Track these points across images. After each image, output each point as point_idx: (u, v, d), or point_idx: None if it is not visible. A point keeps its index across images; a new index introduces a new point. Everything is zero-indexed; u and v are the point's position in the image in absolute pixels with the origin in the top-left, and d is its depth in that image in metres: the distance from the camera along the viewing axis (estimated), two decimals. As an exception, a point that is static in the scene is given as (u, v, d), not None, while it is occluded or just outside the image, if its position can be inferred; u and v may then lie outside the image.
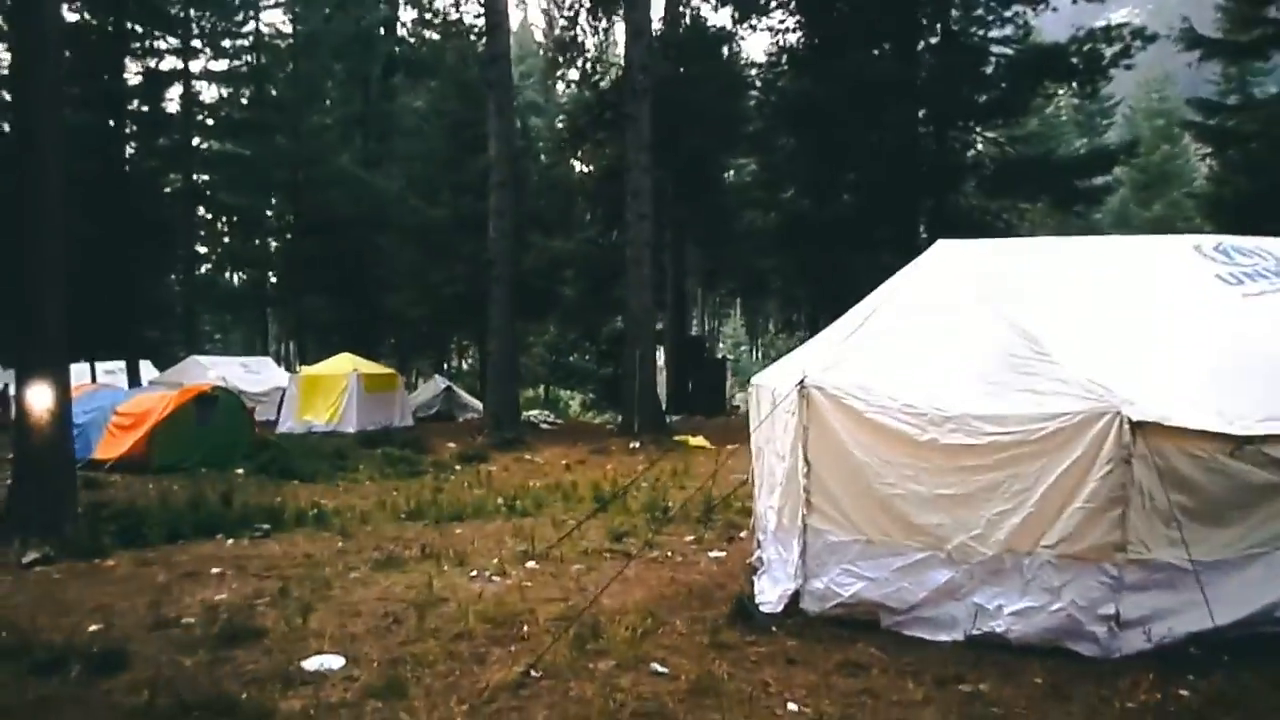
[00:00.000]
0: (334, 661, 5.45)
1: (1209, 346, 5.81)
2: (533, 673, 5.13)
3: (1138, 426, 5.01)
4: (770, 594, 6.28)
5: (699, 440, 19.12)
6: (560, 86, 45.96)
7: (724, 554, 8.38)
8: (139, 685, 5.10)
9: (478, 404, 28.72)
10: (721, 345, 52.36)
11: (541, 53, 52.52)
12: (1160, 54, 25.22)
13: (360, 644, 5.79)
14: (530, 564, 8.08)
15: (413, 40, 39.00)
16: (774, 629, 5.81)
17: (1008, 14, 23.08)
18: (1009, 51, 23.02)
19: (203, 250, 40.65)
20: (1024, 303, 6.11)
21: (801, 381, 5.98)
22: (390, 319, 34.32)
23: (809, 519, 5.99)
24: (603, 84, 30.38)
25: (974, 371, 5.71)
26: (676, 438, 19.84)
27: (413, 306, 30.90)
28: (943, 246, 7.05)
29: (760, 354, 51.58)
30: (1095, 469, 5.10)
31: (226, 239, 41.93)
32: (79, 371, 23.21)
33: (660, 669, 5.21)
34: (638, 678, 5.09)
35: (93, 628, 6.28)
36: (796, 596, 6.02)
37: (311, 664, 5.40)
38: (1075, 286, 6.40)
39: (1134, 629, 5.10)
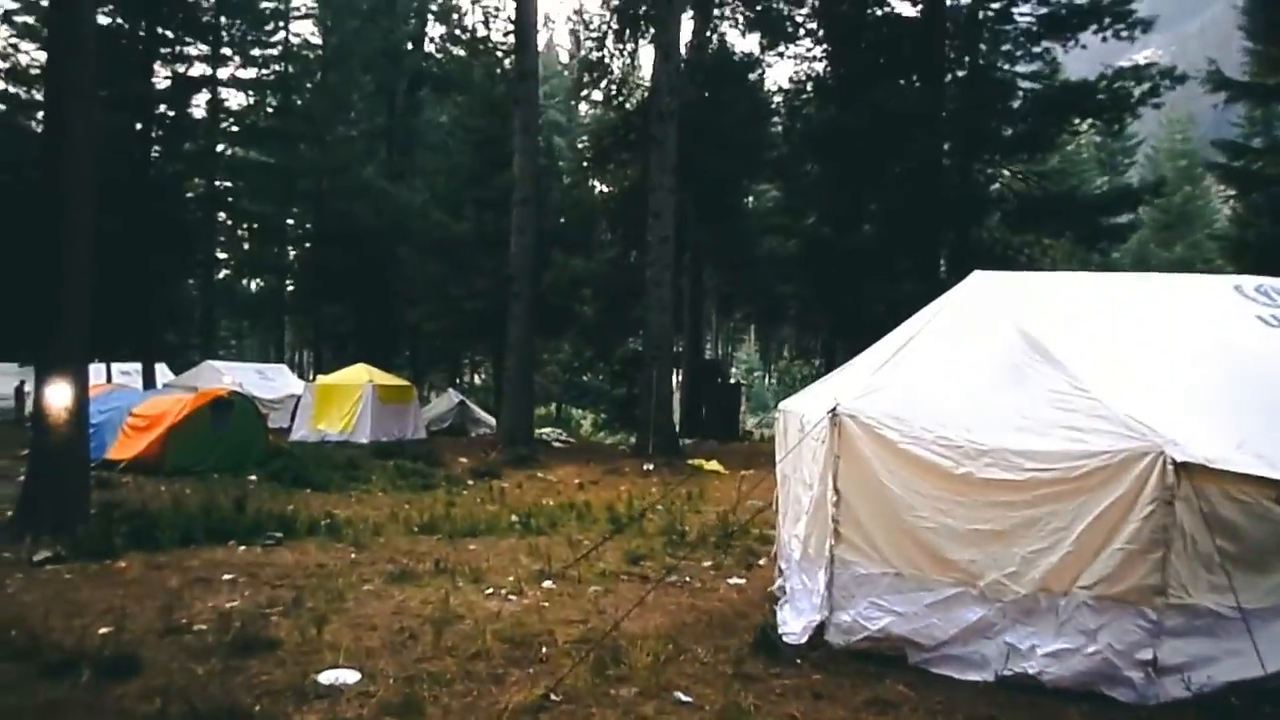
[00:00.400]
0: (349, 676, 5.34)
1: (1252, 389, 5.66)
2: (552, 696, 5.02)
3: (1181, 468, 4.88)
4: (794, 625, 6.14)
5: (713, 465, 18.98)
6: (584, 107, 46.31)
7: (744, 581, 8.24)
8: (151, 693, 5.01)
9: (490, 419, 28.67)
10: (735, 370, 52.24)
11: (566, 72, 52.96)
12: (1184, 95, 25.16)
13: (376, 659, 5.68)
14: (547, 583, 7.96)
15: (440, 55, 39.33)
16: (799, 661, 5.68)
17: (1036, 50, 23.05)
18: (1036, 86, 22.98)
19: (222, 256, 40.95)
20: (1063, 337, 5.99)
21: (834, 409, 5.87)
22: (407, 331, 34.36)
23: (837, 549, 5.86)
24: (628, 105, 30.50)
25: (1012, 405, 5.59)
26: (690, 461, 19.71)
27: (431, 319, 30.90)
28: (979, 277, 6.94)
29: (774, 380, 51.38)
30: (1136, 509, 4.96)
31: (246, 245, 42.19)
32: (95, 371, 23.22)
33: (684, 698, 5.08)
34: (661, 706, 4.97)
35: (103, 630, 6.18)
36: (821, 628, 5.89)
37: (326, 678, 5.30)
38: (1115, 323, 6.29)
39: (1172, 675, 4.95)
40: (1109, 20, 21.92)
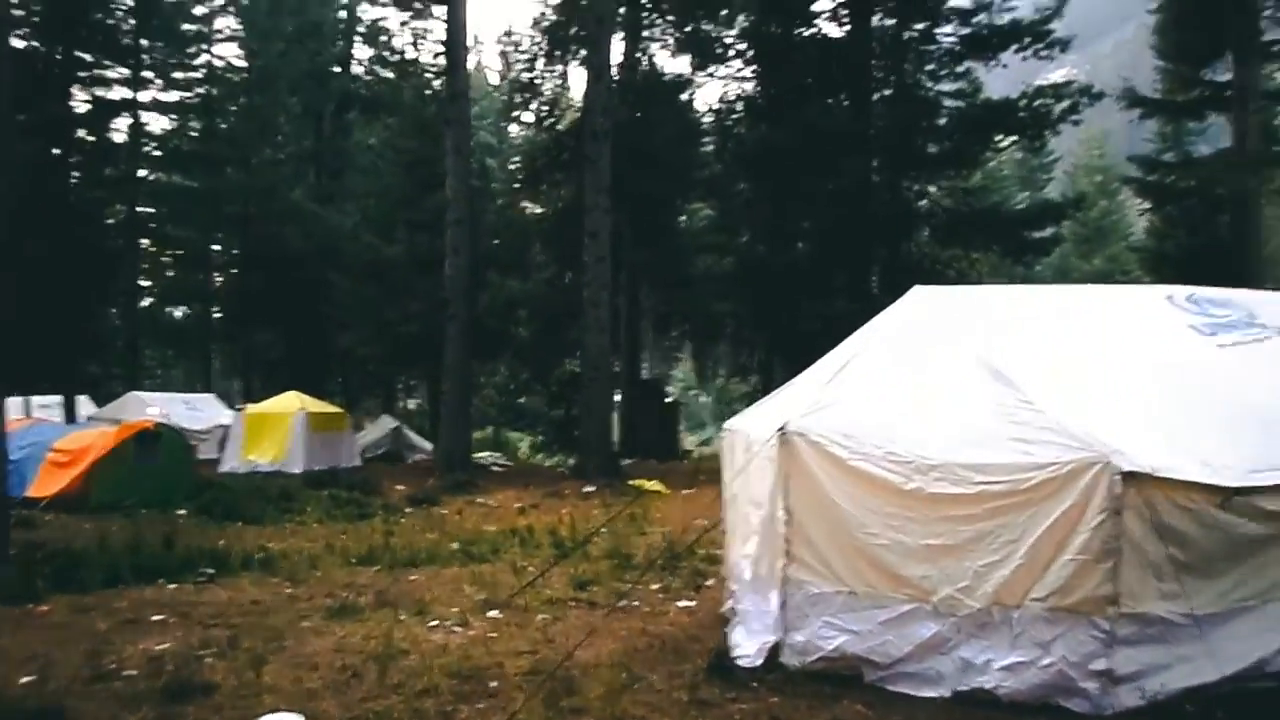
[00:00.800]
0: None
1: (1189, 397, 5.78)
2: (505, 732, 4.84)
3: (1129, 477, 4.92)
4: (747, 647, 6.04)
5: (655, 485, 18.68)
6: (515, 128, 46.11)
7: (694, 603, 8.14)
8: (77, 747, 4.71)
9: (427, 445, 28.24)
10: (672, 389, 52.31)
11: (497, 93, 52.75)
12: (1098, 112, 25.95)
13: (318, 700, 5.45)
14: (493, 613, 7.76)
15: (369, 77, 38.85)
16: (754, 684, 5.58)
17: (959, 69, 23.60)
18: (960, 105, 23.52)
19: (146, 283, 39.68)
20: (1006, 350, 6.04)
21: (783, 427, 5.81)
22: (340, 357, 33.70)
23: (789, 569, 5.79)
24: (559, 126, 30.44)
25: (959, 419, 5.61)
26: (631, 482, 19.49)
27: (364, 344, 30.37)
28: (918, 292, 6.98)
29: (711, 398, 51.60)
30: (1086, 520, 4.99)
31: (170, 272, 41.03)
32: (14, 405, 22.28)
33: (641, 728, 4.95)
34: (618, 738, 4.83)
35: (25, 679, 5.86)
36: (776, 649, 5.80)
37: (267, 723, 5.05)
38: (1054, 335, 6.37)
39: (1127, 685, 4.97)
40: (1029, 40, 22.57)
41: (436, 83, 31.71)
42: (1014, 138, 25.21)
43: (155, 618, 7.69)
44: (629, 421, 29.40)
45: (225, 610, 8.03)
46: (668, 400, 36.10)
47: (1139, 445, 5.11)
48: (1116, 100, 25.23)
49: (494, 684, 5.73)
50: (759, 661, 5.82)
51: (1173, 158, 29.68)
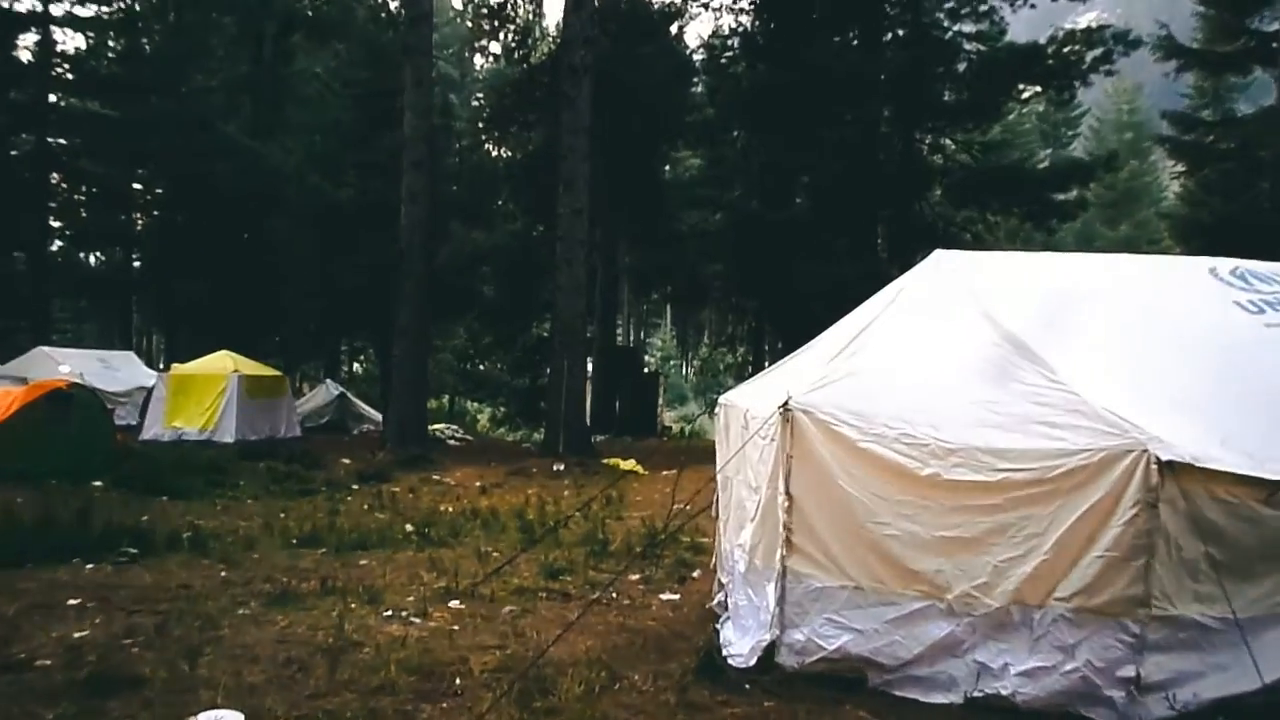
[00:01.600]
0: (231, 717, 5.09)
1: (1234, 381, 5.81)
2: (472, 735, 4.87)
3: (1167, 467, 4.97)
4: (740, 645, 6.10)
5: (631, 464, 18.97)
6: (480, 60, 45.68)
7: (678, 597, 8.20)
8: (-12, 744, 4.70)
9: (375, 414, 28.27)
10: (651, 358, 52.40)
11: (460, 20, 52.12)
12: (1131, 63, 26.03)
13: (261, 696, 5.44)
14: (454, 603, 7.78)
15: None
16: (747, 686, 5.64)
17: (982, 8, 23.53)
18: (982, 49, 23.51)
19: (56, 224, 39.05)
20: (1034, 323, 6.06)
21: (786, 403, 5.83)
22: (278, 313, 33.39)
23: (789, 561, 5.83)
24: (531, 59, 30.16)
25: (982, 399, 5.63)
26: (606, 461, 19.67)
27: (307, 300, 30.16)
28: (940, 256, 7.00)
29: (693, 369, 51.74)
30: (1118, 513, 5.03)
31: (85, 212, 40.38)
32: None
33: (623, 733, 5.00)
34: (598, 743, 4.87)
35: (-81, 671, 5.81)
36: (771, 649, 5.85)
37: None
38: (1090, 309, 6.37)
39: (1156, 694, 5.04)
40: (1060, -26, 22.57)
41: (393, 3, 31.29)
42: (1039, 88, 25.24)
43: (71, 602, 7.63)
44: (603, 393, 29.46)
45: (151, 594, 7.99)
46: (646, 371, 36.21)
47: (1178, 432, 5.14)
48: (1151, 50, 25.27)
49: (459, 681, 5.74)
50: (752, 661, 5.87)
51: (1211, 115, 29.92)
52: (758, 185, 26.50)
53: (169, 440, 21.21)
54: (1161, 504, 4.98)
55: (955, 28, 23.86)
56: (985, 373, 5.78)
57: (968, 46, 23.65)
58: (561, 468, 18.72)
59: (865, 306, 6.93)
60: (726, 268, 28.48)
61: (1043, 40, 22.56)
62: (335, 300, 29.23)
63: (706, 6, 29.54)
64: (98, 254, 43.59)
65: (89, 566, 9.08)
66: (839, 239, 23.55)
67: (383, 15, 32.10)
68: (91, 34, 35.67)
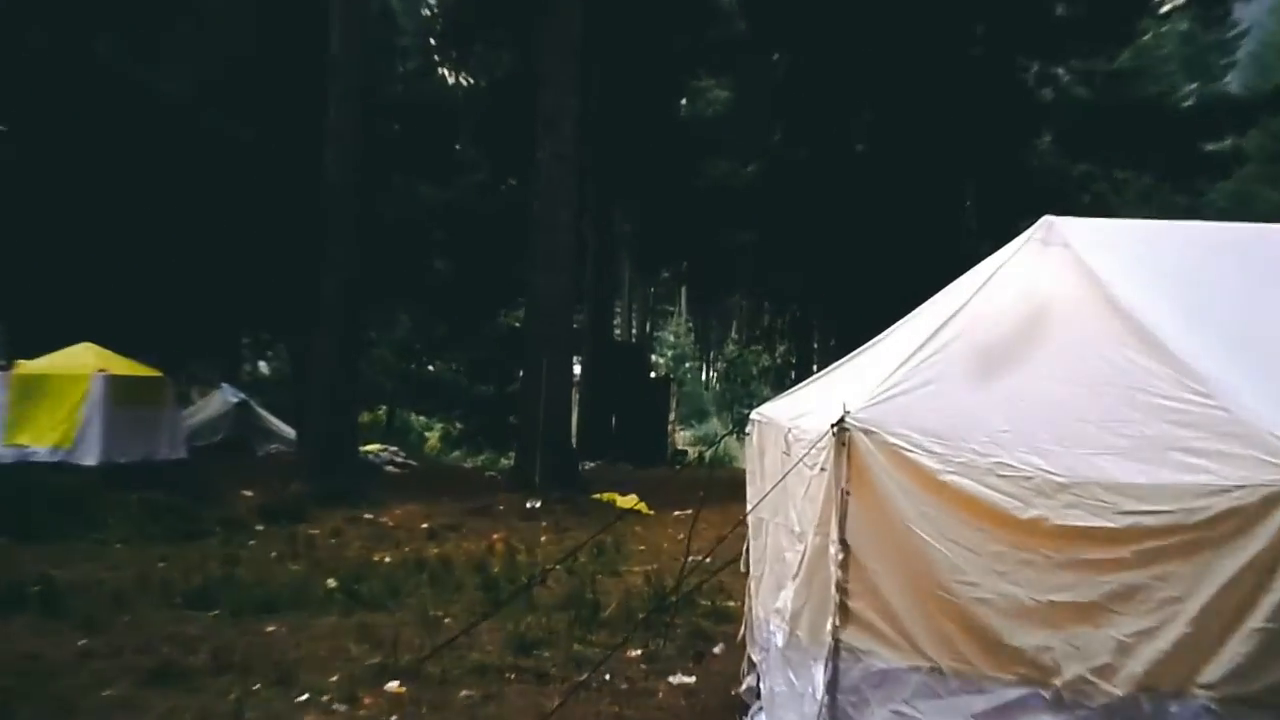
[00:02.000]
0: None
1: None
2: None
3: (1352, 512, 5.00)
4: (776, 746, 6.15)
5: (630, 500, 19.04)
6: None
7: (693, 680, 8.27)
8: None
9: (288, 430, 28.30)
10: (658, 359, 52.56)
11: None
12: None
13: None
14: (393, 685, 7.87)
15: None
16: (787, 803, 5.68)
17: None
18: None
19: None
20: (1175, 317, 6.08)
21: (841, 420, 5.86)
22: (160, 294, 33.50)
23: (843, 633, 5.86)
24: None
25: (1101, 417, 5.65)
26: (597, 496, 19.72)
27: (197, 276, 30.24)
28: (1050, 224, 7.00)
29: (716, 374, 51.85)
30: (1282, 573, 5.07)
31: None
32: None
33: None
34: None
35: None
36: (819, 752, 5.90)
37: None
38: (1247, 298, 6.41)
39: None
40: None
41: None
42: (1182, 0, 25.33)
43: None
44: (595, 405, 29.54)
45: (-14, 668, 8.05)
46: (653, 376, 36.30)
47: (1364, 465, 5.18)
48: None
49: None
50: (793, 769, 5.92)
51: None
52: (804, 127, 26.55)
53: (11, 461, 21.22)
54: (1342, 561, 5.01)
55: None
56: (1106, 381, 5.81)
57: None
58: (538, 505, 18.77)
59: (947, 292, 6.95)
60: (761, 237, 28.54)
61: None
62: (235, 277, 29.29)
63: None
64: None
65: (-99, 630, 9.19)
66: (912, 199, 23.55)
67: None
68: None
